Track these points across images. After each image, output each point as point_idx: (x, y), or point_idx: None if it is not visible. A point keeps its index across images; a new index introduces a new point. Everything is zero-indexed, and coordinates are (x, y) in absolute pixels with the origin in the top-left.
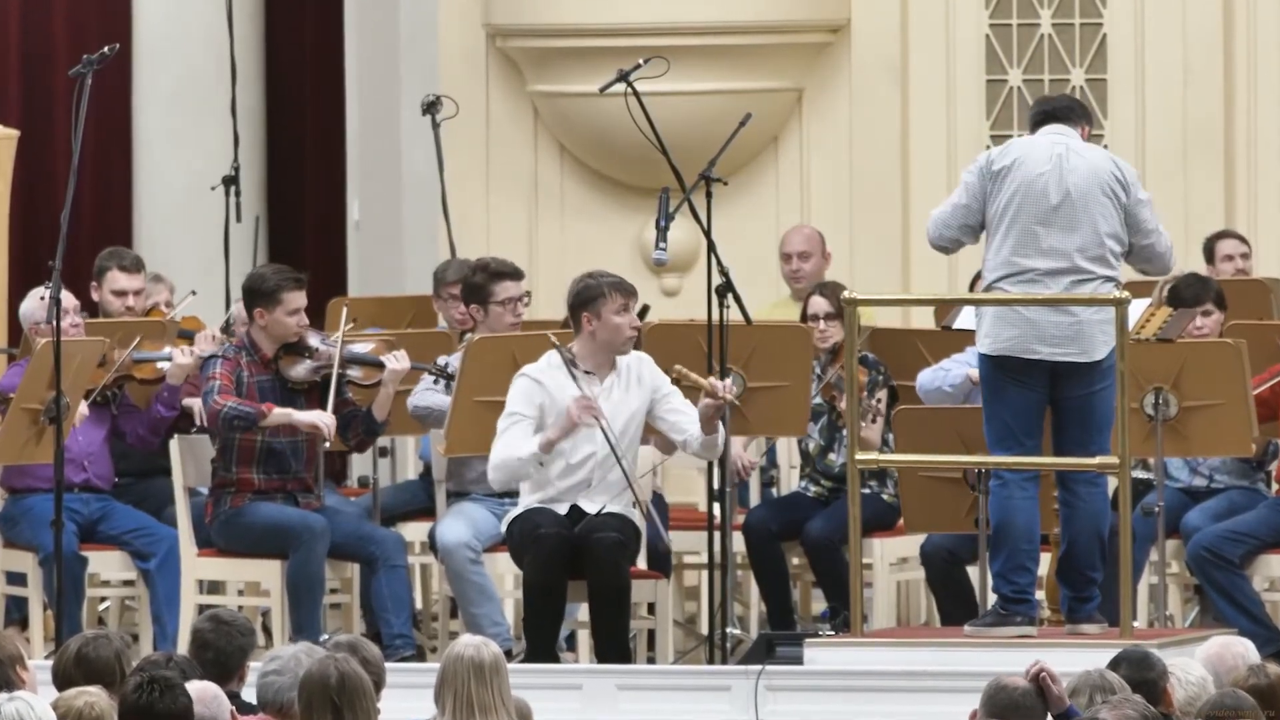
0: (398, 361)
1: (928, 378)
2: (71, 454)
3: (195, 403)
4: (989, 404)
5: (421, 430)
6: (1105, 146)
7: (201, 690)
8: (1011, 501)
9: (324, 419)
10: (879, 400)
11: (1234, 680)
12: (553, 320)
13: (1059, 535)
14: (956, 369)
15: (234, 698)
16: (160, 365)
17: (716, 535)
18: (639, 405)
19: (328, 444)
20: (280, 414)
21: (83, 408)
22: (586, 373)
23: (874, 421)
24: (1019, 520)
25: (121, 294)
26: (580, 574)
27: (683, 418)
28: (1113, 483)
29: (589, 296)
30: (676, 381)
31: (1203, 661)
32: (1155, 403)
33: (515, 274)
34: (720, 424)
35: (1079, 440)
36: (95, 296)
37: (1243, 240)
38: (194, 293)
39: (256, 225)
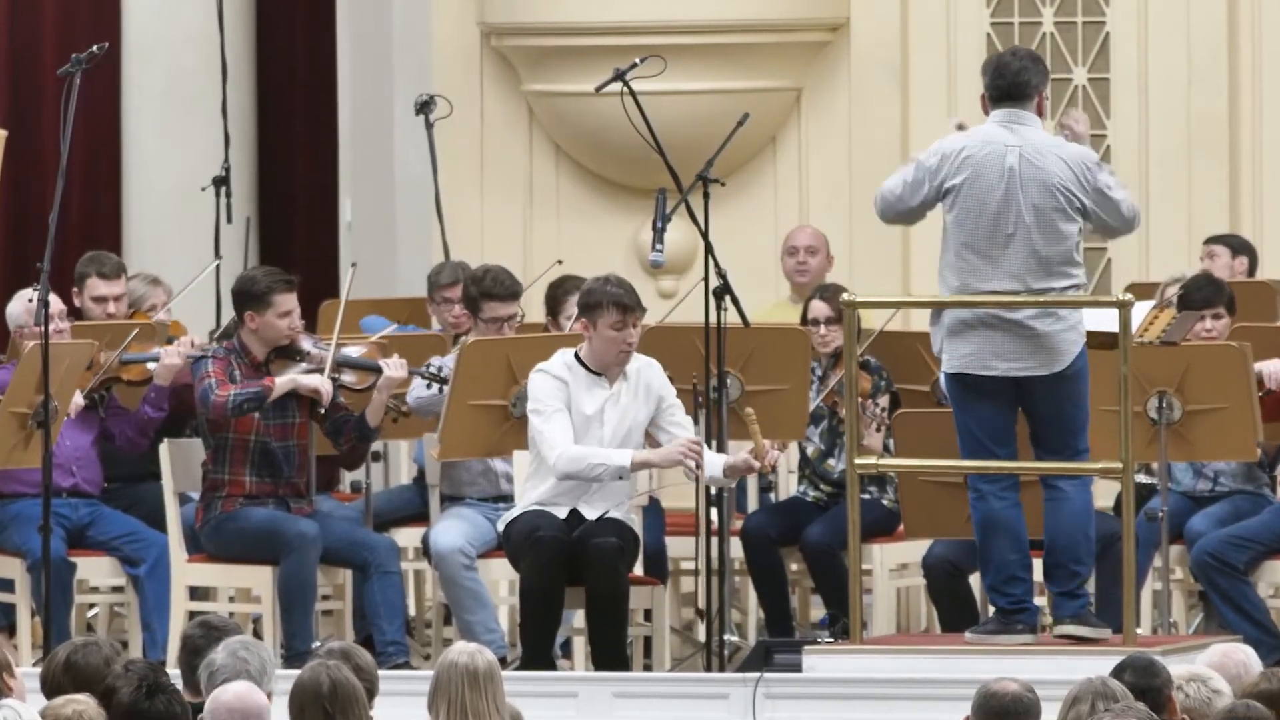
0: (394, 369)
1: None
2: (59, 458)
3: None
4: (957, 419)
5: (417, 434)
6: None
7: (247, 691)
8: (993, 513)
9: (325, 385)
10: (883, 408)
11: (1245, 687)
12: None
13: None
14: None
15: None
16: (148, 366)
17: (714, 540)
18: (645, 413)
19: (323, 409)
20: (284, 381)
21: (78, 397)
22: (596, 374)
23: (879, 430)
24: (1003, 530)
25: (101, 300)
26: (577, 580)
27: (683, 433)
28: (1114, 487)
29: (591, 302)
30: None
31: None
32: (1159, 406)
33: (506, 295)
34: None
35: (1055, 448)
36: (77, 302)
37: (1218, 241)
38: (219, 259)
39: (248, 226)
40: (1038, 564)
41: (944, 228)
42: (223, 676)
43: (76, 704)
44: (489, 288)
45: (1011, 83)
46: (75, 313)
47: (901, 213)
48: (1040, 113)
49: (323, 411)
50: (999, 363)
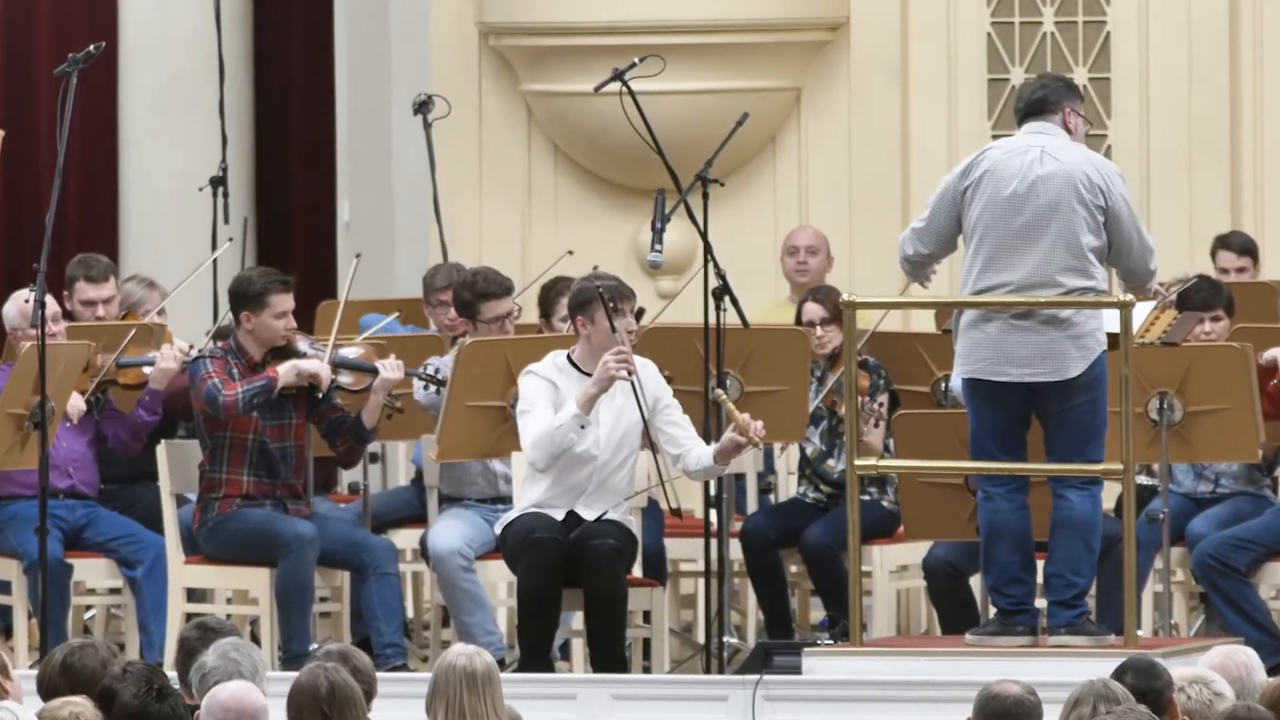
0: (391, 370)
1: None
2: (56, 460)
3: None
4: (970, 423)
5: (415, 435)
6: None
7: (245, 691)
8: (999, 515)
9: (324, 369)
10: (881, 404)
11: (1265, 692)
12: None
13: None
14: None
15: None
16: (144, 370)
17: (714, 542)
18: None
19: (320, 394)
20: (287, 368)
21: (79, 402)
22: (589, 375)
23: (876, 426)
24: (1007, 532)
25: (90, 304)
26: (575, 581)
27: (680, 432)
28: (1115, 489)
29: (584, 300)
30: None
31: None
32: (1160, 407)
33: (502, 292)
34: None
35: (1066, 454)
36: (68, 305)
37: (1245, 252)
38: (230, 240)
39: (245, 227)
40: (1042, 565)
41: (963, 227)
42: (214, 679)
43: (73, 706)
44: (484, 288)
45: (1029, 101)
46: (67, 315)
47: (932, 236)
48: (1067, 128)
49: (321, 396)
50: (1011, 368)
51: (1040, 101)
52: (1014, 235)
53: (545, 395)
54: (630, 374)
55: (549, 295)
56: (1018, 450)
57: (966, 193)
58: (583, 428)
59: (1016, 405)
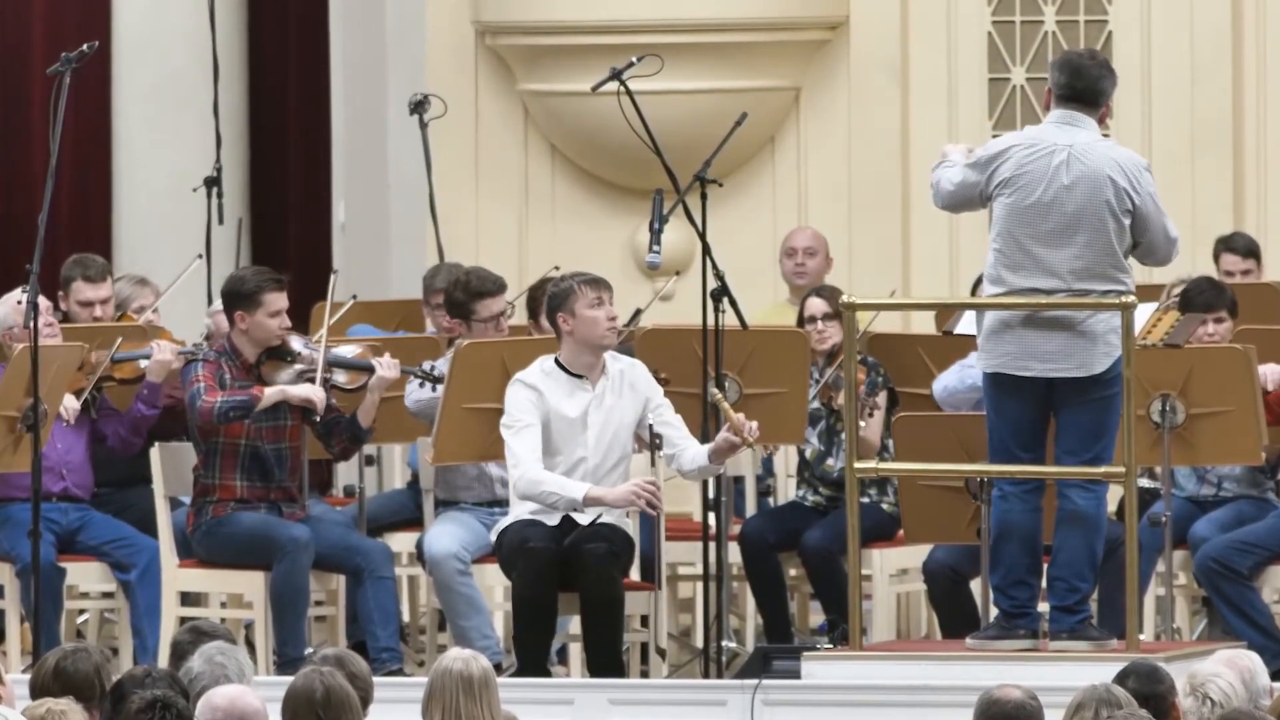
0: (387, 369)
1: (953, 378)
2: (50, 462)
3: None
4: (989, 419)
5: (410, 438)
6: None
7: (240, 694)
8: (1011, 515)
9: (317, 394)
10: (875, 397)
11: (1276, 700)
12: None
13: None
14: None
15: None
16: (140, 364)
17: (712, 546)
18: (631, 414)
19: (318, 417)
20: (273, 392)
21: (72, 401)
22: (578, 377)
23: (871, 415)
24: (1017, 534)
25: (87, 304)
26: (572, 585)
27: (673, 432)
28: (1118, 493)
29: (561, 297)
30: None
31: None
32: (1162, 410)
33: (495, 290)
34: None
35: (1073, 447)
36: (63, 306)
37: (1249, 254)
38: (200, 256)
39: (239, 227)
40: (1046, 567)
41: (990, 224)
42: (201, 684)
43: (51, 705)
44: (479, 286)
45: (1088, 88)
46: (62, 316)
47: (960, 203)
48: (1103, 120)
49: (317, 419)
50: (1036, 363)
51: (1097, 94)
52: (1038, 242)
53: (530, 409)
54: (653, 509)
55: (537, 295)
56: (1038, 448)
57: (990, 191)
58: (575, 510)
59: (1037, 401)
